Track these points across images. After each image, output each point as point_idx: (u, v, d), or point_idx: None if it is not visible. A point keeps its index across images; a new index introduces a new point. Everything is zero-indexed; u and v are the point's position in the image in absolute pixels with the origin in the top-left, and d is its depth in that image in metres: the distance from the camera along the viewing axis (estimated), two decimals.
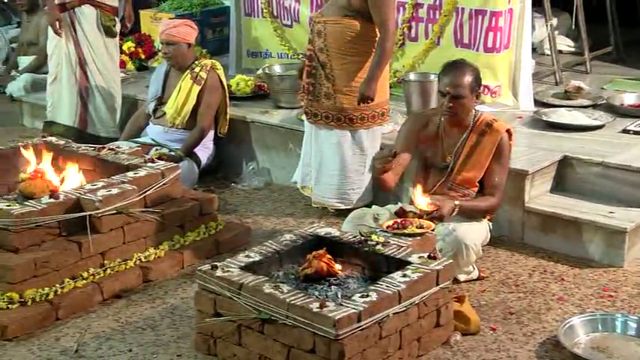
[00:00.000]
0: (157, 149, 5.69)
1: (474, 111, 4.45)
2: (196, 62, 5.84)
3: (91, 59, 6.29)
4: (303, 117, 5.37)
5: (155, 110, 5.97)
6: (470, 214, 4.39)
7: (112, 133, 6.39)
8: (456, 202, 4.31)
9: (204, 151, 5.89)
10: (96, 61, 6.31)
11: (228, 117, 5.98)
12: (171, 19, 6.40)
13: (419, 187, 4.29)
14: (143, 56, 7.59)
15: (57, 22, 6.14)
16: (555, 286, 4.45)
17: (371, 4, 4.90)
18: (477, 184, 4.47)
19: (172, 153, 5.64)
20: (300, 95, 5.31)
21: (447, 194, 4.43)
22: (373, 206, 4.65)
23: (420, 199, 4.23)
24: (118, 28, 6.44)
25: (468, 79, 4.32)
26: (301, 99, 5.30)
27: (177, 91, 5.81)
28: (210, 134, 5.92)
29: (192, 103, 5.77)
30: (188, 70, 5.81)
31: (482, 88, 4.49)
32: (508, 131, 4.45)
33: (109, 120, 6.43)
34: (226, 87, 5.97)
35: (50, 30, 6.29)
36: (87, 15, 6.25)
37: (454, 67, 4.38)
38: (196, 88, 5.77)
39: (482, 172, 4.43)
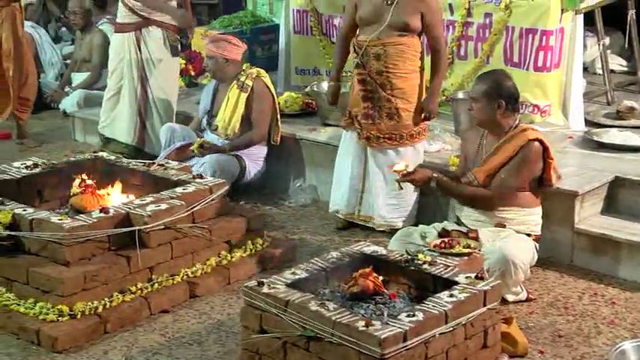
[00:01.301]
0: (201, 139, 5.82)
1: (515, 121, 4.46)
2: (242, 72, 5.93)
3: (154, 78, 6.39)
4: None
5: (209, 124, 6.06)
6: (447, 193, 4.52)
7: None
8: (434, 174, 4.44)
9: (254, 165, 5.92)
10: (159, 79, 6.42)
11: (280, 125, 6.01)
12: (220, 34, 6.47)
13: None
14: (193, 73, 7.67)
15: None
16: (606, 310, 4.38)
17: (428, 22, 5.03)
18: (487, 180, 4.46)
19: (219, 145, 5.78)
20: (345, 121, 5.30)
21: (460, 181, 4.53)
22: (420, 225, 4.63)
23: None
24: (179, 46, 6.58)
25: (484, 86, 4.42)
26: (346, 125, 5.29)
27: (226, 101, 5.91)
28: (263, 150, 5.96)
29: (241, 112, 5.86)
30: (234, 81, 5.90)
31: (515, 102, 4.45)
32: (541, 142, 4.40)
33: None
34: (275, 94, 6.01)
35: (113, 46, 6.44)
36: (154, 35, 6.38)
37: (482, 74, 4.68)
38: (243, 96, 5.86)
39: (495, 168, 4.43)
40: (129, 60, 6.38)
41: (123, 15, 6.40)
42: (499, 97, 4.39)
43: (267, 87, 5.92)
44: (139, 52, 6.36)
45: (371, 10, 5.06)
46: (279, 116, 6.01)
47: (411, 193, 5.21)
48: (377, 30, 5.05)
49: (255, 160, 5.91)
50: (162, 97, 6.46)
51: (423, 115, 5.15)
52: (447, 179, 4.51)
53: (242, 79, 5.88)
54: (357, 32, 5.19)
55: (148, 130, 6.46)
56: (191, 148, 5.79)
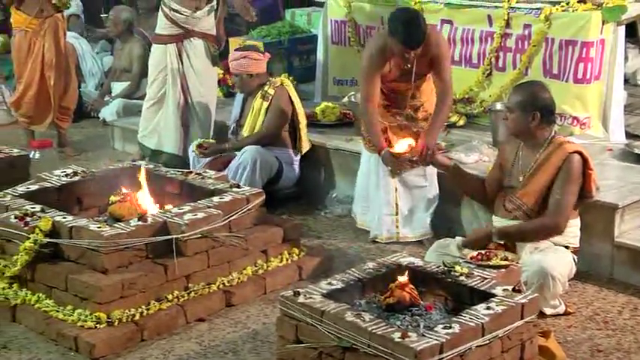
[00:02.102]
0: (201, 140, 5.98)
1: (550, 133, 4.41)
2: (267, 82, 6.00)
3: (195, 88, 6.46)
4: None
5: (236, 133, 6.15)
6: (512, 239, 4.38)
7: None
8: (493, 229, 4.36)
9: (289, 168, 5.97)
10: (200, 89, 6.50)
11: (305, 135, 6.03)
12: (239, 48, 6.48)
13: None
14: (231, 83, 7.73)
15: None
16: None
17: (437, 64, 5.12)
18: (542, 206, 4.37)
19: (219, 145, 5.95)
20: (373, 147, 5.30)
21: (505, 207, 4.45)
22: (457, 236, 4.61)
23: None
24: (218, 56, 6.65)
25: (520, 97, 4.39)
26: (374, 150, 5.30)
27: (251, 111, 6.02)
28: (293, 155, 6.02)
29: (262, 120, 5.95)
30: (260, 92, 5.98)
31: (551, 114, 4.42)
32: (580, 154, 4.34)
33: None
34: (298, 103, 6.03)
35: (153, 56, 6.51)
36: (196, 46, 6.45)
37: (520, 84, 4.67)
38: (265, 105, 5.95)
39: (542, 189, 4.35)
40: (171, 70, 6.44)
41: (164, 26, 6.46)
42: (534, 108, 4.35)
43: (289, 95, 5.97)
44: (180, 63, 6.43)
45: (395, 73, 5.14)
46: (302, 125, 6.03)
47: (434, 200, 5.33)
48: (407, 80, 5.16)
49: (288, 163, 5.96)
50: (202, 107, 6.53)
51: (420, 146, 5.03)
52: (507, 227, 4.37)
53: (266, 88, 5.97)
54: (383, 83, 5.22)
55: (189, 139, 6.51)
56: (190, 148, 5.94)
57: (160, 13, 6.48)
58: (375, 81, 5.11)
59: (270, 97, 5.94)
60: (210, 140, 6.05)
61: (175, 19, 6.38)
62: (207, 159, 6.02)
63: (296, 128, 6.02)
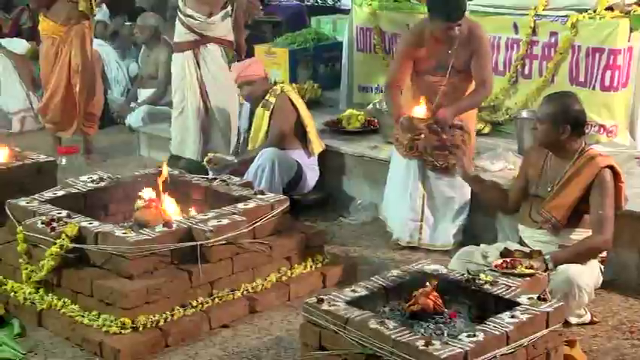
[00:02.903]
0: (211, 154, 5.97)
1: (581, 145, 4.38)
2: (270, 91, 6.00)
3: (214, 94, 6.48)
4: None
5: (247, 143, 6.19)
6: (567, 262, 4.25)
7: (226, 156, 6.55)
8: (547, 257, 4.23)
9: (310, 172, 5.97)
10: (219, 95, 6.52)
11: (315, 137, 5.99)
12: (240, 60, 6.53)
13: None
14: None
15: None
16: None
17: (477, 60, 5.11)
18: (570, 218, 4.35)
19: (228, 159, 5.90)
20: (408, 152, 5.27)
21: (530, 216, 4.45)
22: (481, 244, 4.61)
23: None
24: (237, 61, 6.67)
25: (551, 109, 4.34)
26: (408, 155, 5.27)
27: (254, 121, 6.02)
28: (310, 157, 6.00)
29: (265, 128, 5.94)
30: (262, 100, 5.99)
31: (592, 127, 4.41)
32: (612, 168, 4.32)
33: (224, 151, 6.59)
34: (301, 106, 6.00)
35: (174, 65, 6.54)
36: (212, 52, 6.48)
37: (551, 95, 4.55)
38: (267, 113, 5.94)
39: (572, 202, 4.32)
40: (190, 77, 6.48)
41: (181, 34, 6.49)
42: (565, 121, 4.32)
43: (291, 101, 5.94)
44: (198, 70, 6.47)
45: (432, 63, 5.11)
46: (310, 127, 5.99)
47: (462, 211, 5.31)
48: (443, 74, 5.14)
49: (306, 165, 5.94)
50: (222, 113, 6.55)
51: (439, 114, 5.08)
52: (560, 253, 4.30)
53: (267, 97, 5.96)
54: (417, 76, 5.21)
55: (210, 145, 6.54)
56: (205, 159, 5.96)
57: (177, 20, 6.52)
58: (405, 64, 5.05)
59: (271, 106, 5.92)
60: (219, 155, 5.99)
61: (191, 25, 6.41)
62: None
63: (304, 132, 6.00)
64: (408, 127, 5.11)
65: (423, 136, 5.12)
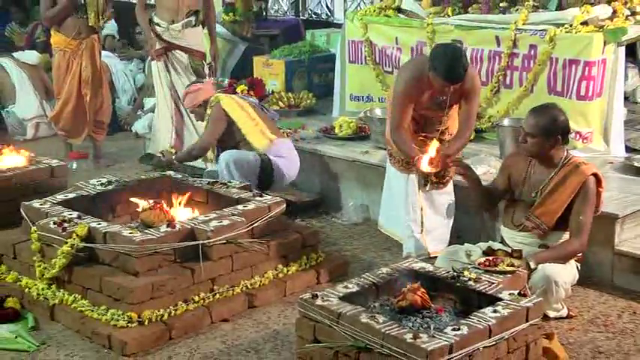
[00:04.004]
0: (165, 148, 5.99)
1: (564, 153, 4.37)
2: (209, 102, 5.87)
3: (183, 98, 6.48)
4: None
5: None
6: (547, 261, 4.23)
7: (201, 163, 6.53)
8: (531, 262, 4.18)
9: (285, 159, 5.81)
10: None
11: (254, 139, 5.76)
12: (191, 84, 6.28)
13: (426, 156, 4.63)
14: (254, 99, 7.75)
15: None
16: None
17: (468, 97, 4.97)
18: (556, 222, 4.33)
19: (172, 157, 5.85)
20: (405, 167, 5.14)
21: (522, 223, 4.39)
22: (465, 243, 4.60)
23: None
24: (206, 69, 6.67)
25: (541, 121, 4.29)
26: (406, 170, 5.14)
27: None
28: (284, 146, 5.86)
29: None
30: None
31: (567, 135, 4.38)
32: (596, 176, 4.33)
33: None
34: (235, 112, 5.78)
35: (151, 71, 6.62)
36: (179, 58, 6.58)
37: (537, 109, 4.42)
38: (205, 124, 5.88)
39: (561, 209, 4.32)
40: (160, 82, 6.60)
41: (154, 42, 6.60)
42: (555, 133, 4.30)
43: (223, 110, 5.76)
44: (168, 75, 6.52)
45: (429, 103, 4.98)
46: (245, 131, 5.77)
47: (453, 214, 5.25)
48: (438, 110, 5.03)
49: (279, 155, 5.76)
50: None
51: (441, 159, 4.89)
52: (542, 255, 4.26)
53: (207, 110, 5.87)
54: (414, 110, 5.05)
55: (185, 144, 6.57)
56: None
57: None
58: (409, 110, 4.95)
59: (206, 117, 5.85)
60: (171, 150, 5.97)
61: (158, 32, 6.51)
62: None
63: (242, 135, 5.78)
64: (421, 173, 5.00)
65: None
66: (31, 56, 8.75)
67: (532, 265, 4.20)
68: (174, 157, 5.87)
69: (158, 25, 6.51)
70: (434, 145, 4.79)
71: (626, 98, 6.35)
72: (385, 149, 5.92)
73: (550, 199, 4.34)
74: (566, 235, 4.37)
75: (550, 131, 4.29)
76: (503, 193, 4.60)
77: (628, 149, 5.88)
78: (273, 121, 6.12)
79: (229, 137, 5.81)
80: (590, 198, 4.30)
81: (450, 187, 5.21)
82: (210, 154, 5.97)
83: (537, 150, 4.34)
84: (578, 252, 4.35)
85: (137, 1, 6.72)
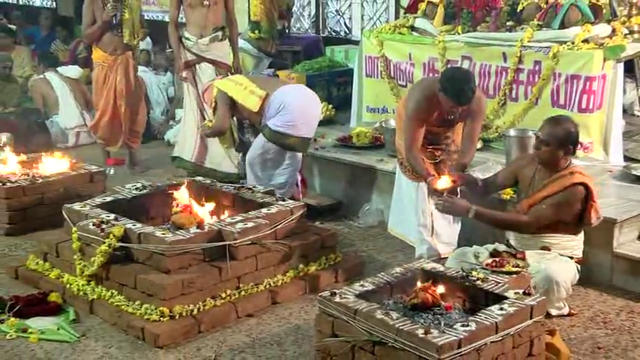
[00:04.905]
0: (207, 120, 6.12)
1: (567, 161, 4.34)
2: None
3: (203, 95, 6.52)
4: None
5: None
6: (485, 221, 4.36)
7: (225, 168, 6.55)
8: (472, 207, 4.28)
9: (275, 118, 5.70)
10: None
11: (247, 99, 5.72)
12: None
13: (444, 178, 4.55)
14: None
15: (180, 75, 6.68)
16: None
17: (473, 116, 4.92)
18: (555, 225, 4.29)
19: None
20: (417, 177, 5.09)
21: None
22: (474, 246, 4.58)
23: (441, 183, 4.49)
24: None
25: (558, 131, 4.26)
26: (416, 179, 5.09)
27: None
28: (282, 93, 5.72)
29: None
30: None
31: (576, 146, 4.35)
32: (585, 186, 4.26)
33: (224, 157, 6.59)
34: (227, 87, 5.81)
35: (184, 84, 6.71)
36: (206, 70, 6.60)
37: (554, 119, 4.40)
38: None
39: (538, 199, 4.29)
40: (188, 91, 6.62)
41: (184, 55, 6.62)
42: (568, 143, 4.28)
43: (221, 90, 5.82)
44: (195, 85, 6.59)
45: (438, 121, 4.95)
46: (237, 99, 5.76)
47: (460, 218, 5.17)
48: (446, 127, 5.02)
49: (277, 111, 5.66)
50: None
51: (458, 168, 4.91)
52: (484, 209, 4.33)
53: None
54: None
55: (208, 150, 6.60)
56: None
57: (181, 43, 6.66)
58: (421, 130, 4.90)
59: (214, 98, 5.92)
60: (209, 123, 6.05)
61: (187, 45, 6.55)
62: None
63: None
64: (433, 192, 4.92)
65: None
66: (73, 71, 8.83)
67: (471, 213, 4.28)
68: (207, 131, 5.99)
69: (188, 39, 6.56)
70: (446, 178, 4.69)
71: (624, 111, 6.29)
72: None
73: (537, 194, 4.32)
74: (563, 237, 4.34)
75: (564, 141, 4.26)
76: (501, 187, 4.63)
77: (626, 158, 5.83)
78: (267, 78, 6.11)
79: (238, 112, 5.90)
80: (564, 199, 4.24)
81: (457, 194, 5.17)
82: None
83: (549, 157, 4.31)
84: (519, 227, 4.34)
85: (170, 20, 6.75)
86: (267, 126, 5.67)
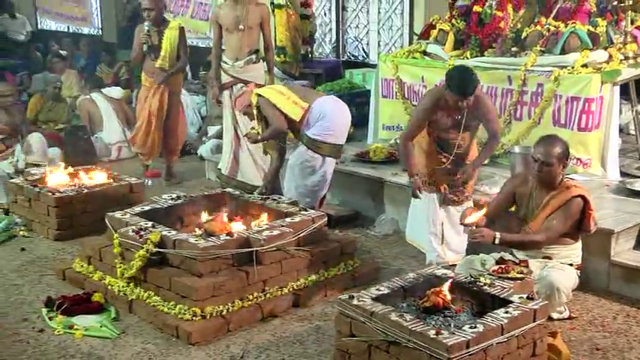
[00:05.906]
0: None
1: (561, 177, 4.30)
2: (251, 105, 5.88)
3: (243, 123, 6.45)
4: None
5: None
6: (510, 246, 4.26)
7: (254, 181, 6.51)
8: (497, 234, 4.16)
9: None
10: (247, 125, 6.43)
11: (290, 108, 5.60)
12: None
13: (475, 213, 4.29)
14: None
15: (216, 98, 6.67)
16: (637, 329, 4.21)
17: (485, 117, 4.89)
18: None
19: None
20: (430, 188, 5.03)
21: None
22: (481, 254, 4.55)
23: (470, 217, 4.22)
24: None
25: (557, 150, 4.21)
26: (430, 190, 5.04)
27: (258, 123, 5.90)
28: (319, 105, 5.65)
29: (260, 125, 5.82)
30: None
31: (571, 160, 4.33)
32: (583, 197, 4.22)
33: (253, 170, 6.58)
34: (271, 95, 5.66)
35: (224, 103, 6.69)
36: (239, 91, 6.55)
37: (547, 140, 4.32)
38: (257, 122, 5.82)
39: (545, 219, 4.24)
40: (225, 111, 6.63)
41: (223, 77, 6.62)
42: (566, 158, 4.25)
43: (265, 98, 5.66)
44: (232, 107, 6.56)
45: (447, 123, 4.91)
46: (280, 107, 5.61)
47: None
48: (455, 131, 4.95)
49: (316, 119, 5.60)
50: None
51: (461, 172, 4.91)
52: (506, 235, 4.24)
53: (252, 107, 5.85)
54: (433, 132, 4.99)
55: (240, 163, 6.59)
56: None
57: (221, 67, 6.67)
58: (422, 125, 4.91)
59: (255, 105, 5.70)
60: (256, 130, 5.81)
61: (224, 68, 6.56)
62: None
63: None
64: (417, 186, 4.92)
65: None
66: (116, 91, 8.92)
67: (497, 240, 4.15)
68: (259, 137, 5.78)
69: (225, 62, 6.57)
70: (477, 213, 4.44)
71: (620, 130, 6.25)
72: None
73: (541, 215, 4.27)
74: (564, 247, 4.29)
75: (562, 158, 4.23)
76: (504, 211, 4.51)
77: (622, 174, 5.78)
78: (305, 89, 6.03)
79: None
80: (568, 212, 4.20)
81: (467, 204, 5.14)
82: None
83: (553, 177, 4.24)
84: (539, 245, 4.24)
85: (213, 45, 6.70)
86: (306, 135, 5.65)
